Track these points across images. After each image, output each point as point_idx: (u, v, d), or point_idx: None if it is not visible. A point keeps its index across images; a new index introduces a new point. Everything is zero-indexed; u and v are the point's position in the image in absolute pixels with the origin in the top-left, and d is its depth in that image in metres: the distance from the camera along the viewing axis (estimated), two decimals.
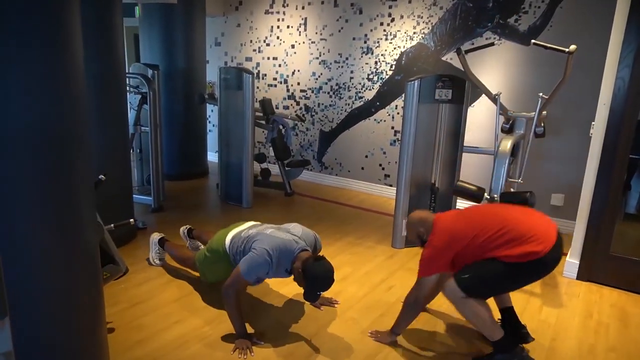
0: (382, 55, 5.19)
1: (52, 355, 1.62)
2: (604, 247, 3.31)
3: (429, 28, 4.85)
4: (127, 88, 4.12)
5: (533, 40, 3.11)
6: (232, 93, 4.71)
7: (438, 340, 2.59)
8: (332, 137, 5.76)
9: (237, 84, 4.61)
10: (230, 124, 4.83)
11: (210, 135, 6.67)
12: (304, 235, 2.61)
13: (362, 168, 5.60)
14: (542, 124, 3.55)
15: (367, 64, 5.32)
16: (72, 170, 1.54)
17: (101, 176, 2.37)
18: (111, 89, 3.46)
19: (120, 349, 2.36)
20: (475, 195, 3.06)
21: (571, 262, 3.46)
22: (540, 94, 3.23)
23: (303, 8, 5.63)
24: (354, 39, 5.34)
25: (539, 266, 2.16)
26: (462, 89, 3.73)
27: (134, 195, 3.99)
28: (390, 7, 5.04)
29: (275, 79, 6.09)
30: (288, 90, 6.01)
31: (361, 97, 5.44)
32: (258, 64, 6.18)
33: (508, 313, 2.56)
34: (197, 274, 3.13)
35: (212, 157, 6.50)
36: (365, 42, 5.28)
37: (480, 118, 4.67)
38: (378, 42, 5.19)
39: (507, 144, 3.17)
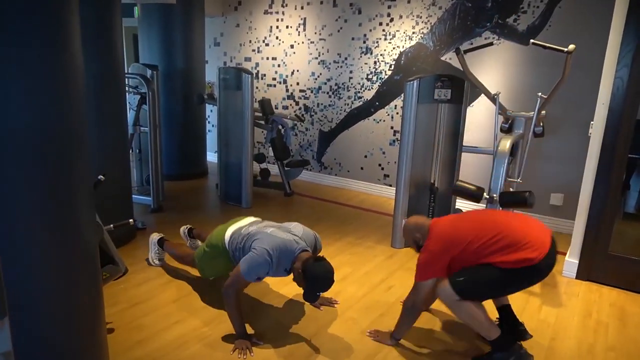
0: (381, 55, 5.20)
1: (51, 355, 1.62)
2: (603, 247, 3.32)
3: (428, 28, 4.85)
4: (126, 88, 4.12)
5: (532, 40, 3.11)
6: (231, 93, 4.71)
7: (437, 339, 2.59)
8: (332, 137, 5.76)
9: (236, 84, 4.61)
10: (229, 124, 4.83)
11: (210, 136, 6.66)
12: (304, 235, 2.61)
13: (362, 168, 5.60)
14: (541, 124, 3.55)
15: (366, 64, 5.32)
16: (71, 170, 1.54)
17: (100, 176, 2.37)
18: (110, 89, 3.46)
19: (120, 349, 2.36)
20: (474, 194, 3.06)
21: (570, 261, 3.46)
22: (539, 94, 3.23)
23: (302, 8, 5.63)
24: (353, 39, 5.35)
25: (533, 272, 2.20)
26: (461, 88, 3.73)
27: (133, 196, 3.99)
28: (389, 7, 5.04)
29: (274, 79, 6.09)
30: (287, 90, 6.01)
31: (360, 97, 5.44)
32: (257, 64, 6.18)
33: (505, 311, 2.57)
34: (197, 273, 3.13)
35: (212, 157, 6.50)
36: (364, 42, 5.28)
37: (479, 118, 4.68)
38: (377, 42, 5.19)
39: (506, 143, 3.18)
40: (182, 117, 5.71)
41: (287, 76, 5.96)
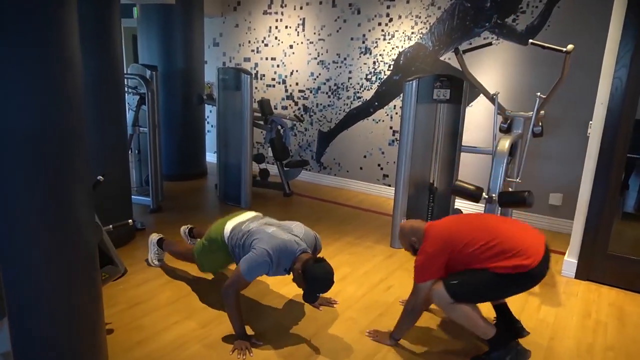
0: (380, 55, 5.20)
1: (51, 355, 1.62)
2: (602, 247, 3.32)
3: (427, 28, 4.85)
4: (126, 89, 4.12)
5: (531, 40, 3.11)
6: (231, 93, 4.71)
7: (437, 339, 2.60)
8: (331, 138, 5.76)
9: (236, 85, 4.61)
10: (228, 125, 4.83)
11: (209, 136, 6.66)
12: (305, 236, 2.59)
13: (361, 168, 5.60)
14: (540, 124, 3.55)
15: (365, 64, 5.32)
16: (71, 170, 1.54)
17: (100, 177, 2.37)
18: (109, 89, 3.46)
19: (119, 349, 2.36)
20: (473, 194, 3.06)
21: (569, 261, 3.46)
22: (538, 94, 3.23)
23: (301, 8, 5.64)
24: (352, 39, 5.35)
25: (527, 279, 2.22)
26: (460, 88, 3.73)
27: (132, 196, 3.98)
28: (388, 7, 5.04)
29: (273, 79, 6.09)
30: (286, 91, 6.01)
31: (359, 97, 5.44)
32: (256, 65, 6.18)
33: (502, 310, 2.59)
34: (196, 273, 3.13)
35: (211, 157, 6.50)
36: (363, 42, 5.28)
37: (478, 118, 4.68)
38: (376, 42, 5.20)
39: (505, 143, 3.18)
40: (182, 118, 5.71)
41: (286, 76, 5.97)
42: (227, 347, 2.41)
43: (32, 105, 1.40)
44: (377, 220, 4.59)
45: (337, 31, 5.43)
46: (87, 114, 1.68)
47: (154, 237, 3.34)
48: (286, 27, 5.81)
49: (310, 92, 5.79)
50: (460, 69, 3.57)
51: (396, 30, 5.04)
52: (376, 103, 5.34)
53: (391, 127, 5.28)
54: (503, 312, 2.58)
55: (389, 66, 5.17)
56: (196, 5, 5.63)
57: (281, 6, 5.79)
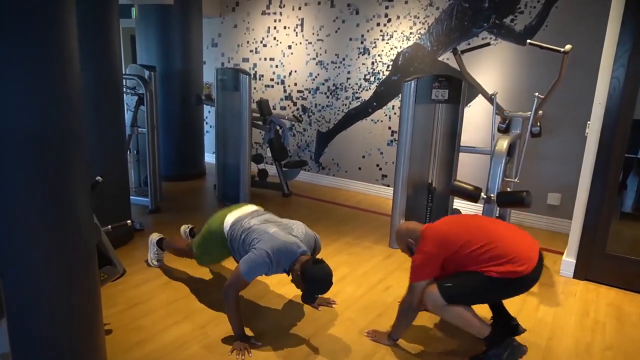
0: (378, 55, 5.20)
1: (50, 356, 1.61)
2: (601, 246, 3.33)
3: (425, 28, 4.86)
4: (124, 89, 4.11)
5: (529, 40, 3.12)
6: (229, 94, 4.71)
7: (435, 339, 2.60)
8: (329, 138, 5.77)
9: (234, 85, 4.61)
10: (227, 125, 4.83)
11: (208, 136, 6.66)
12: (306, 237, 2.58)
13: (360, 168, 5.61)
14: (538, 124, 3.56)
15: (363, 64, 5.33)
16: (70, 170, 1.55)
17: (98, 177, 2.37)
18: (108, 90, 3.46)
19: (118, 350, 2.36)
20: (472, 194, 3.07)
21: (568, 261, 3.47)
22: (536, 94, 3.24)
23: (300, 9, 5.64)
24: (350, 39, 5.35)
25: (520, 284, 2.25)
26: (458, 89, 3.74)
27: (131, 197, 3.98)
28: (386, 7, 5.05)
29: (272, 79, 6.09)
30: (285, 91, 6.01)
31: (358, 98, 5.45)
32: (255, 65, 6.18)
33: (497, 308, 2.60)
34: (195, 273, 3.13)
35: (210, 158, 6.49)
36: (362, 42, 5.29)
37: (476, 118, 4.69)
38: (375, 42, 5.20)
39: (503, 143, 3.18)
40: (180, 118, 5.71)
41: (284, 77, 5.97)
42: (226, 348, 2.41)
43: (32, 105, 1.40)
44: (376, 221, 4.60)
45: (336, 31, 5.43)
46: (85, 114, 1.68)
47: (154, 237, 3.34)
48: (285, 27, 5.81)
49: (309, 92, 5.80)
50: (459, 69, 3.58)
51: (395, 31, 5.04)
52: (375, 103, 5.35)
53: (390, 128, 5.28)
54: (499, 310, 2.59)
55: (388, 66, 5.17)
56: (194, 6, 5.63)
57: (280, 6, 5.79)
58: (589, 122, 3.27)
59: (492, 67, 4.53)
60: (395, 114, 5.20)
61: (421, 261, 2.33)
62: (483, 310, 2.56)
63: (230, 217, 2.69)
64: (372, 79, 5.30)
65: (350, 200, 5.30)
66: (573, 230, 3.44)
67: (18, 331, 1.48)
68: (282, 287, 3.09)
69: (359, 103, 5.45)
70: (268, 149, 5.36)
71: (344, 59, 5.45)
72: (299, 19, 5.67)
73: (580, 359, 2.48)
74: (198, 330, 2.57)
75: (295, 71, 5.85)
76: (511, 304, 2.62)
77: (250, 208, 2.80)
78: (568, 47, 2.98)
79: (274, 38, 5.93)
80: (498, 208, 3.16)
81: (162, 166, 5.16)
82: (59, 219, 1.53)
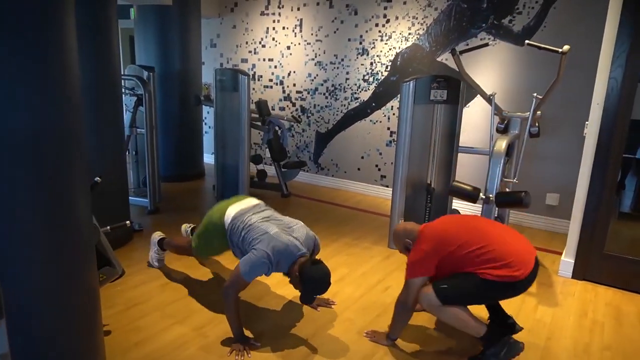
0: (377, 56, 5.21)
1: (50, 356, 1.61)
2: (599, 246, 3.34)
3: (423, 29, 4.87)
4: (123, 90, 4.11)
5: (527, 41, 3.13)
6: (228, 94, 4.71)
7: (434, 339, 2.60)
8: (328, 138, 5.77)
9: (233, 86, 4.61)
10: (226, 126, 4.83)
11: (206, 137, 6.66)
12: (306, 239, 2.57)
13: (358, 169, 5.61)
14: (537, 124, 3.57)
15: (362, 65, 5.33)
16: (70, 170, 1.55)
17: (97, 178, 2.37)
18: (107, 90, 3.46)
19: (117, 351, 2.35)
20: (470, 195, 3.08)
21: (566, 261, 3.47)
22: (535, 94, 3.25)
23: (298, 9, 5.64)
24: (349, 40, 5.36)
25: (514, 287, 2.26)
26: (457, 89, 3.74)
27: (130, 197, 3.98)
28: (385, 8, 5.05)
29: (271, 80, 6.10)
30: (284, 92, 6.01)
31: (357, 98, 5.45)
32: (254, 66, 6.19)
33: (494, 307, 2.61)
34: (195, 274, 3.13)
35: (208, 158, 6.49)
36: (360, 43, 5.29)
37: (475, 118, 4.69)
38: (373, 43, 5.21)
39: (502, 144, 3.19)
40: (179, 119, 5.71)
41: (283, 77, 5.97)
42: (225, 349, 2.41)
43: (32, 105, 1.40)
44: (375, 221, 4.60)
45: (335, 32, 5.44)
46: (84, 115, 1.68)
47: (156, 236, 3.32)
48: (283, 28, 5.81)
49: (308, 93, 5.80)
50: (457, 70, 3.59)
51: (393, 31, 5.05)
52: (373, 104, 5.35)
53: (388, 128, 5.29)
54: (495, 310, 2.60)
55: (386, 67, 5.18)
56: (193, 7, 5.63)
57: (278, 7, 5.79)
58: (586, 123, 3.28)
59: (490, 67, 4.53)
60: (394, 114, 5.20)
61: (417, 258, 2.34)
62: (479, 310, 2.56)
63: (232, 210, 2.68)
64: (370, 79, 5.31)
65: (349, 200, 5.30)
66: (571, 231, 3.44)
67: (17, 331, 1.48)
68: (281, 288, 3.09)
69: (357, 104, 5.46)
70: (267, 149, 5.37)
71: (342, 60, 5.45)
72: (298, 20, 5.67)
73: (578, 359, 2.48)
74: (197, 331, 2.57)
75: (294, 72, 5.85)
76: (510, 304, 2.63)
77: (252, 202, 2.78)
78: (566, 47, 2.99)
79: (273, 39, 5.93)
80: (497, 208, 3.16)
81: (161, 167, 5.15)
82: (58, 219, 1.53)
